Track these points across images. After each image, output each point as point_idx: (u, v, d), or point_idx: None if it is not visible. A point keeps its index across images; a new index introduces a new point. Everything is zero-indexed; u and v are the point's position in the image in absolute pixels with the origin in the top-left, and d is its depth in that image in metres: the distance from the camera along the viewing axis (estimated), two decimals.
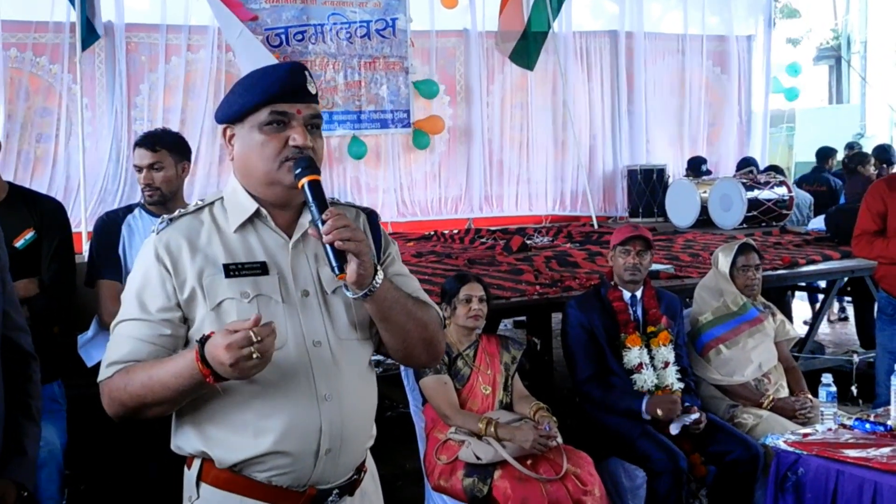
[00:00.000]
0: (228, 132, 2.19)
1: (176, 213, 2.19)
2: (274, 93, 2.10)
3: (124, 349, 2.08)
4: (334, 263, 2.00)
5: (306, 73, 2.15)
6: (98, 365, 2.15)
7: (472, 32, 11.19)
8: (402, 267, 2.35)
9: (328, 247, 2.00)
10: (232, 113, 2.16)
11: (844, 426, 3.99)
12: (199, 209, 2.20)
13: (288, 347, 2.09)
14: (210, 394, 2.06)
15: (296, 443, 2.08)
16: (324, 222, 2.01)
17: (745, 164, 10.56)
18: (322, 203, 2.05)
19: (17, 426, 2.41)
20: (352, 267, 2.01)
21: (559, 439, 4.08)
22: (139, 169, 3.92)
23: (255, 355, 1.86)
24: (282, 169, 2.11)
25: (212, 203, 2.21)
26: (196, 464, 2.16)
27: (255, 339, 1.86)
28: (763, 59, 13.13)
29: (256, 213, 2.17)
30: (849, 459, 3.58)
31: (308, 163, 2.09)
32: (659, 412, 4.36)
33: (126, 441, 3.69)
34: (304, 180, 2.07)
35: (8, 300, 2.42)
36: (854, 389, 5.11)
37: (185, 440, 2.17)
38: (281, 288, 2.12)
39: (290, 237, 2.19)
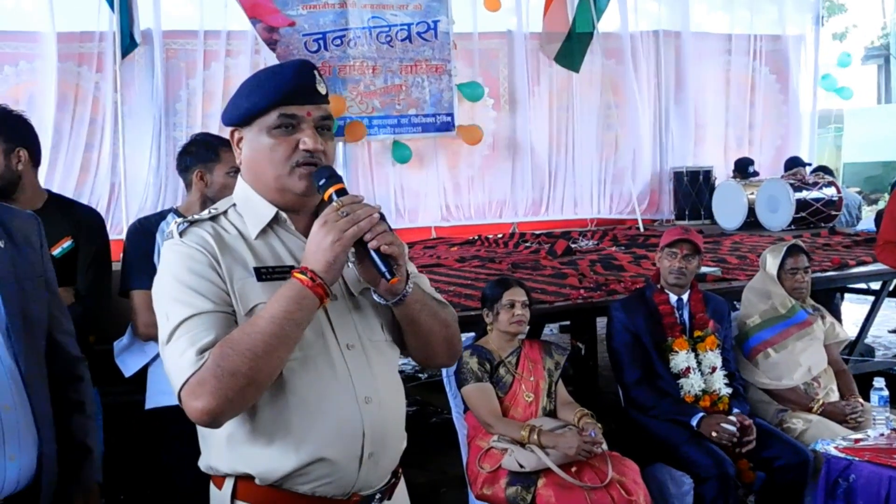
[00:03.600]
0: (236, 135, 2.12)
1: (191, 217, 2.08)
2: (283, 94, 2.02)
3: (206, 339, 1.90)
4: (383, 268, 1.93)
5: (315, 72, 2.07)
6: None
7: (516, 34, 11.06)
8: (412, 265, 2.27)
9: (374, 252, 1.94)
10: (239, 115, 2.08)
11: None
12: (215, 216, 2.10)
13: (324, 353, 2.02)
14: (253, 408, 1.97)
15: (340, 449, 2.01)
16: None
17: (793, 164, 10.43)
18: None
19: (78, 426, 2.49)
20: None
21: (604, 446, 4.01)
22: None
23: (341, 210, 1.92)
24: (292, 175, 2.04)
25: (225, 211, 2.11)
26: (228, 483, 2.06)
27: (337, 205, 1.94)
28: (811, 58, 12.90)
29: (275, 218, 2.09)
30: None
31: (330, 172, 2.02)
32: (713, 434, 4.30)
33: (162, 449, 3.68)
34: (331, 191, 1.99)
35: (56, 304, 2.49)
36: None
37: (219, 460, 2.07)
38: None
39: None
